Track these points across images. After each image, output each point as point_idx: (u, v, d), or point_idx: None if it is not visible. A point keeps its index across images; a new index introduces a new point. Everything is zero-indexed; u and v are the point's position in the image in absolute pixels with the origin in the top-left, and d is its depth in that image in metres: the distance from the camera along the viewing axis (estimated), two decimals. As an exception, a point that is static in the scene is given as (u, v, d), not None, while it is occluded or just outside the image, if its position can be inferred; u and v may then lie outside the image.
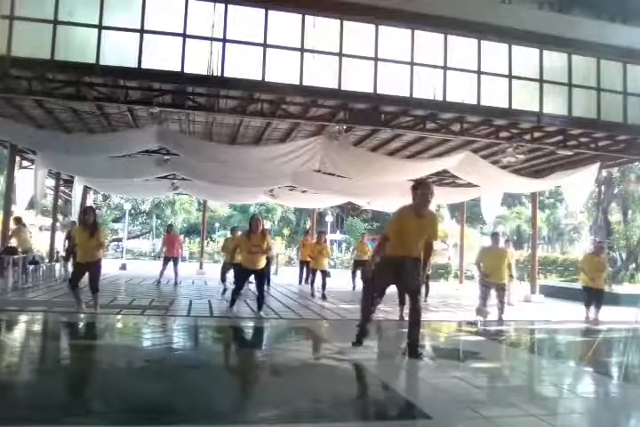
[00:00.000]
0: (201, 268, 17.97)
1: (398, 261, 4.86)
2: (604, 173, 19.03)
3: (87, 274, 7.09)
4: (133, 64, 6.93)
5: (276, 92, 7.66)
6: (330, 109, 8.44)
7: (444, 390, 3.69)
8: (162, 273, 12.33)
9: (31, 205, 12.89)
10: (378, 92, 7.71)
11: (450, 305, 10.38)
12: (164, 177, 13.46)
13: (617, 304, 11.13)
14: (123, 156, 10.67)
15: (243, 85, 7.47)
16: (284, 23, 7.44)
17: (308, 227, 29.07)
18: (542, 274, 18.93)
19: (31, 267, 10.98)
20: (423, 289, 8.94)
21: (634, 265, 18.97)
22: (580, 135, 9.43)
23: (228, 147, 10.60)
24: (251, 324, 7.22)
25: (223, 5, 7.19)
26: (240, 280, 7.68)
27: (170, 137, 8.94)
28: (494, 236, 8.57)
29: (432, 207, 5.38)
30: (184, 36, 7.06)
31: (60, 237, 15.11)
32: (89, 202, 18.62)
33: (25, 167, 13.13)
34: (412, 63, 7.84)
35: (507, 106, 8.25)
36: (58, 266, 13.34)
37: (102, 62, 6.84)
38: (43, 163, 11.24)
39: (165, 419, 2.96)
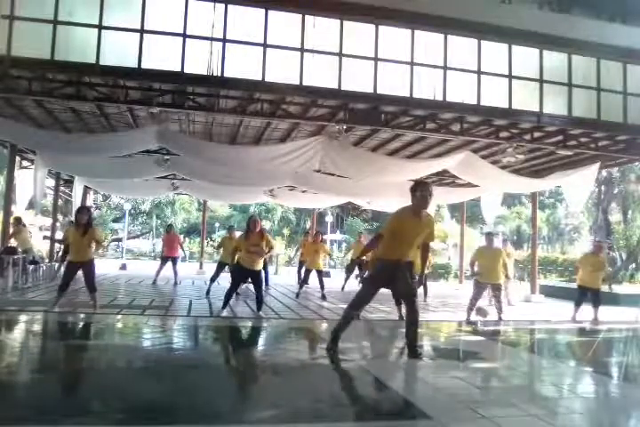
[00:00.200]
0: (201, 268, 17.97)
1: (392, 265, 4.82)
2: (604, 173, 19.04)
3: (82, 274, 7.07)
4: (133, 64, 6.93)
5: (276, 92, 7.66)
6: (330, 109, 8.44)
7: (444, 390, 3.69)
8: (158, 273, 12.31)
9: (31, 205, 12.90)
10: (378, 92, 7.71)
11: (449, 305, 10.38)
12: (164, 177, 13.45)
13: (617, 304, 11.14)
14: (123, 156, 10.66)
15: (243, 85, 7.47)
16: (284, 23, 7.44)
17: (308, 227, 29.07)
18: (542, 274, 18.94)
19: (31, 267, 10.98)
20: (422, 289, 8.96)
21: (634, 265, 18.98)
22: (580, 135, 9.43)
23: (228, 147, 10.59)
24: (250, 324, 7.21)
25: (223, 5, 7.19)
26: (236, 280, 7.52)
27: (170, 137, 8.94)
28: (488, 235, 8.56)
29: (432, 207, 5.38)
30: (184, 36, 7.06)
31: (60, 237, 15.11)
32: (89, 202, 18.63)
33: (25, 167, 13.12)
34: (412, 63, 7.84)
35: (507, 106, 8.25)
36: (57, 266, 13.32)
37: (102, 62, 6.84)
38: (43, 163, 11.25)
39: (165, 419, 2.96)
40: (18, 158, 12.26)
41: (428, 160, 10.99)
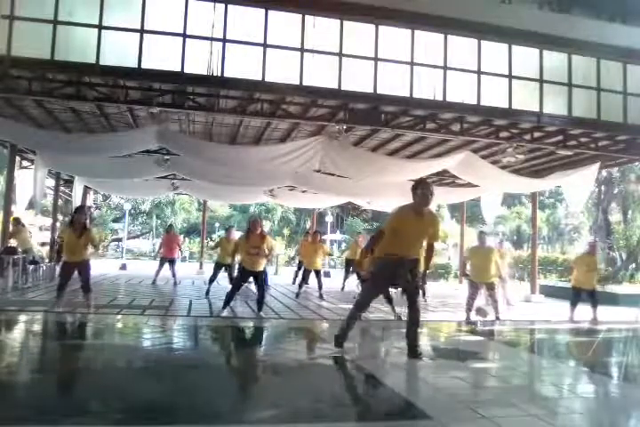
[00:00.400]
0: (201, 268, 17.97)
1: (396, 262, 4.82)
2: (604, 173, 19.01)
3: (78, 275, 7.05)
4: (133, 64, 6.93)
5: (276, 92, 7.66)
6: (330, 109, 8.44)
7: (444, 390, 3.69)
8: (157, 273, 12.30)
9: (31, 205, 12.89)
10: (378, 92, 7.71)
11: (449, 305, 10.38)
12: (164, 177, 13.45)
13: (617, 304, 11.14)
14: (123, 156, 10.66)
15: (243, 85, 7.47)
16: (284, 23, 7.44)
17: (308, 227, 29.07)
18: (542, 274, 18.92)
19: (31, 267, 10.98)
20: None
21: (634, 265, 18.95)
22: (580, 135, 9.43)
23: (228, 147, 10.59)
24: (250, 324, 7.22)
25: (223, 5, 7.19)
26: (237, 281, 7.50)
27: (170, 137, 8.94)
28: (481, 235, 8.56)
29: (432, 207, 5.35)
30: (184, 36, 7.06)
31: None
32: (89, 202, 18.63)
33: (25, 167, 13.12)
34: (412, 63, 7.84)
35: (507, 106, 8.25)
36: (52, 265, 13.34)
37: (102, 62, 6.84)
38: (43, 163, 11.25)
39: (165, 419, 2.96)
40: (18, 158, 12.25)
41: (428, 160, 10.99)
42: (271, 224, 35.26)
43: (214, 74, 7.17)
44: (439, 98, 7.96)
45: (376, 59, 7.69)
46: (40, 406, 3.08)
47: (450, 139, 9.76)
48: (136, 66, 6.93)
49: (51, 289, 10.18)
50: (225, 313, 7.44)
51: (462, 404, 3.34)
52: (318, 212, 23.17)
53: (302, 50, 7.43)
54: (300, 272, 11.88)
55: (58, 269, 12.16)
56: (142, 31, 6.95)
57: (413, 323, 4.82)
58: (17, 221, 10.86)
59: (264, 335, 6.80)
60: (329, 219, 28.92)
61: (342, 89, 7.59)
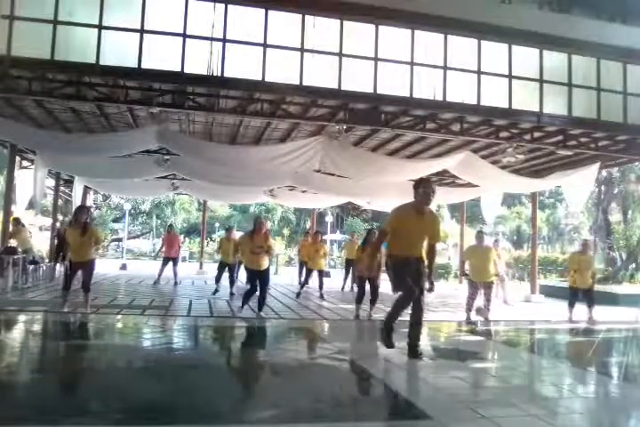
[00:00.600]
0: (201, 268, 17.97)
1: (402, 261, 4.82)
2: (604, 173, 19.01)
3: (81, 274, 7.04)
4: (133, 64, 6.92)
5: (276, 92, 7.65)
6: (330, 109, 8.44)
7: (444, 390, 3.69)
8: (160, 273, 12.32)
9: (31, 205, 12.90)
10: (378, 92, 7.71)
11: (449, 305, 10.37)
12: (164, 177, 13.45)
13: (617, 304, 11.15)
14: (123, 156, 10.67)
15: (243, 85, 7.46)
16: (284, 23, 7.44)
17: (307, 227, 29.07)
18: (542, 274, 18.93)
19: (31, 267, 10.98)
20: None
21: (634, 265, 18.95)
22: (580, 135, 9.42)
23: (228, 147, 10.59)
24: (251, 324, 7.21)
25: (223, 5, 7.18)
26: (251, 281, 7.46)
27: (170, 137, 8.94)
28: (479, 234, 8.56)
29: (432, 207, 5.34)
30: (184, 36, 7.06)
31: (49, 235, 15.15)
32: (89, 202, 18.63)
33: (25, 167, 13.12)
34: (412, 63, 7.83)
35: (507, 106, 8.25)
36: (58, 266, 13.34)
37: (102, 62, 6.83)
38: (43, 163, 11.25)
39: (165, 419, 2.96)
40: (18, 158, 12.26)
41: (428, 160, 10.99)
42: (271, 224, 35.25)
43: (214, 74, 7.17)
44: (439, 98, 7.96)
45: (376, 59, 7.69)
46: (40, 406, 3.08)
47: (450, 139, 9.76)
48: (136, 66, 6.93)
49: (51, 289, 10.19)
50: (242, 312, 7.45)
51: (462, 404, 3.34)
52: (318, 212, 23.18)
53: (302, 50, 7.43)
54: (303, 272, 11.88)
55: (58, 268, 12.22)
56: (142, 31, 6.94)
57: (417, 322, 4.81)
58: (17, 221, 10.86)
59: (264, 335, 6.80)
60: (329, 219, 28.92)
61: (342, 89, 7.59)
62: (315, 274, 11.09)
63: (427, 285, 4.91)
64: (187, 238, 34.74)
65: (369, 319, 7.54)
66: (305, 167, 9.61)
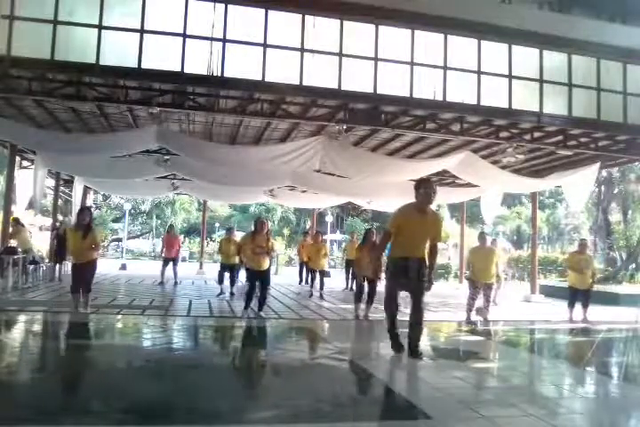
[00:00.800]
0: (201, 268, 17.98)
1: (403, 262, 4.83)
2: (604, 173, 19.02)
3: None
4: (133, 64, 6.92)
5: (276, 92, 7.65)
6: (330, 109, 8.44)
7: (444, 390, 3.68)
8: (163, 274, 12.32)
9: (31, 205, 12.89)
10: (378, 92, 7.71)
11: (450, 305, 10.37)
12: (164, 177, 13.46)
13: (617, 304, 11.15)
14: (123, 156, 10.67)
15: (243, 85, 7.46)
16: (284, 23, 7.44)
17: (307, 227, 29.08)
18: (542, 274, 18.93)
19: (31, 267, 10.98)
20: None
21: (634, 265, 18.95)
22: (580, 135, 9.43)
23: (228, 147, 10.60)
24: (251, 324, 7.21)
25: (223, 5, 7.18)
26: (251, 281, 7.48)
27: (170, 137, 8.95)
28: (482, 235, 8.57)
29: (432, 207, 5.34)
30: (184, 36, 7.06)
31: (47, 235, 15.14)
32: (89, 202, 18.63)
33: (25, 167, 13.13)
34: (411, 63, 7.83)
35: (507, 106, 8.25)
36: (58, 266, 13.33)
37: (102, 62, 6.83)
38: (43, 163, 11.25)
39: (165, 419, 2.96)
40: (18, 158, 12.26)
41: (428, 160, 11.00)
42: (271, 224, 35.25)
43: (214, 74, 7.17)
44: (439, 98, 7.96)
45: (376, 59, 7.69)
46: (40, 406, 3.07)
47: (450, 139, 9.76)
48: (136, 66, 6.92)
49: (51, 289, 10.20)
50: (248, 313, 7.44)
51: (462, 404, 3.34)
52: (318, 212, 23.18)
53: (302, 50, 7.43)
54: (304, 272, 11.93)
55: (58, 269, 12.21)
56: (142, 31, 6.94)
57: (417, 323, 4.81)
58: (17, 221, 10.85)
59: (264, 335, 6.80)
60: (329, 219, 28.94)
61: (342, 89, 7.59)
62: (316, 274, 11.13)
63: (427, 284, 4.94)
64: (187, 238, 34.76)
65: (367, 319, 7.54)
66: (305, 167, 9.61)
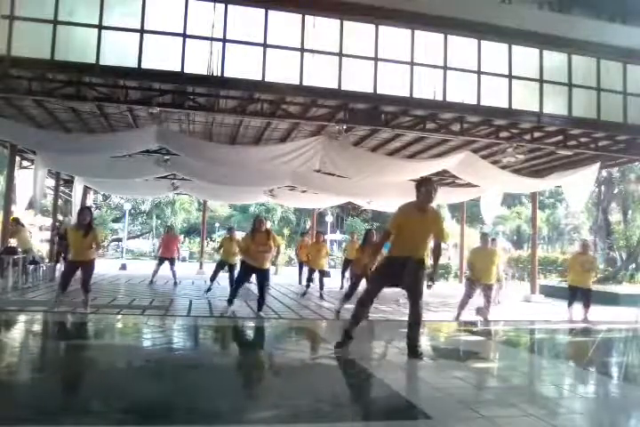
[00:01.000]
0: (201, 268, 17.97)
1: (400, 261, 4.80)
2: (604, 173, 19.02)
3: (80, 274, 7.03)
4: (133, 64, 6.93)
5: (276, 92, 7.66)
6: (330, 109, 8.44)
7: (444, 390, 3.68)
8: (155, 273, 12.32)
9: (31, 205, 12.90)
10: (378, 92, 7.71)
11: (450, 305, 10.36)
12: (164, 177, 13.47)
13: (617, 304, 11.15)
14: (123, 156, 10.67)
15: (243, 85, 7.47)
16: (284, 23, 7.44)
17: (307, 227, 29.09)
18: (542, 274, 18.94)
19: (31, 267, 10.98)
20: None
21: (634, 265, 18.97)
22: (580, 135, 9.43)
23: (228, 147, 10.60)
24: (250, 324, 7.21)
25: (223, 5, 7.19)
26: (242, 277, 7.50)
27: (170, 137, 8.95)
28: (484, 236, 8.56)
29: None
30: (184, 36, 7.06)
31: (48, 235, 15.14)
32: (89, 202, 18.63)
33: (25, 167, 13.13)
34: (412, 63, 7.84)
35: (507, 106, 8.25)
36: (58, 266, 13.33)
37: (102, 62, 6.84)
38: (43, 163, 11.25)
39: (165, 419, 2.96)
40: (18, 158, 12.26)
41: (428, 160, 11.00)
42: (271, 224, 35.26)
43: (214, 74, 7.17)
44: (439, 98, 7.96)
45: (376, 59, 7.69)
46: (40, 406, 3.07)
47: (450, 139, 9.76)
48: (136, 66, 6.93)
49: (51, 289, 10.19)
50: (230, 311, 7.44)
51: (462, 404, 3.34)
52: (318, 212, 23.18)
53: (302, 50, 7.43)
54: (304, 272, 11.95)
55: (58, 268, 12.21)
56: (142, 31, 6.95)
57: (416, 323, 4.80)
58: (16, 221, 10.85)
59: (264, 335, 6.80)
60: (329, 219, 28.96)
61: (342, 89, 7.59)
62: (316, 274, 11.13)
63: (427, 282, 4.94)
64: (187, 238, 34.77)
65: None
66: (305, 167, 9.61)
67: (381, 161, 10.04)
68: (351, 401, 3.61)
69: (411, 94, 7.84)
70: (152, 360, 4.62)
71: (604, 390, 4.29)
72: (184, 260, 27.34)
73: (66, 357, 4.83)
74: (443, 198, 14.25)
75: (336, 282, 13.29)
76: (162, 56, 7.09)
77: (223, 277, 10.78)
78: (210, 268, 17.32)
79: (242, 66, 7.31)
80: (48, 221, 18.24)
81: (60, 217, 16.94)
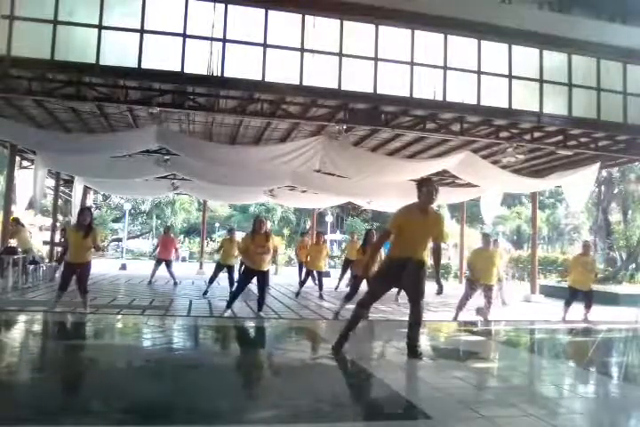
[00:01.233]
0: (201, 268, 17.97)
1: (401, 262, 4.80)
2: (604, 173, 19.02)
3: (78, 275, 7.00)
4: (133, 64, 6.93)
5: (276, 92, 7.66)
6: (330, 109, 8.44)
7: (444, 390, 3.68)
8: (153, 274, 12.33)
9: (31, 205, 12.90)
10: (378, 92, 7.71)
11: (450, 305, 10.35)
12: (164, 177, 13.47)
13: (617, 304, 11.15)
14: (123, 156, 10.67)
15: (243, 85, 7.47)
16: (284, 23, 7.44)
17: (307, 227, 29.08)
18: (542, 274, 18.94)
19: (31, 267, 10.98)
20: None
21: (634, 265, 18.97)
22: (580, 135, 9.43)
23: (228, 147, 10.60)
24: (250, 324, 7.21)
25: (223, 5, 7.19)
26: (243, 281, 7.49)
27: (170, 137, 8.95)
28: (485, 237, 8.56)
29: (432, 207, 5.32)
30: (184, 36, 7.06)
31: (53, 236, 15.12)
32: (89, 202, 18.63)
33: (25, 167, 13.13)
34: (412, 63, 7.84)
35: (507, 106, 8.25)
36: (55, 266, 13.33)
37: (102, 62, 6.84)
38: (43, 163, 11.26)
39: (165, 419, 2.96)
40: (18, 158, 12.26)
41: (428, 160, 11.00)
42: (271, 224, 35.25)
43: (214, 74, 7.17)
44: (439, 98, 7.96)
45: (376, 59, 7.69)
46: (40, 406, 3.07)
47: (450, 139, 9.76)
48: (136, 66, 6.93)
49: (51, 289, 10.19)
50: (228, 313, 7.44)
51: (462, 404, 3.34)
52: (318, 212, 23.18)
53: (302, 50, 7.43)
54: (304, 272, 11.92)
55: (55, 269, 12.21)
56: (142, 31, 6.95)
57: (416, 323, 4.80)
58: (16, 221, 10.86)
59: (264, 335, 6.80)
60: (329, 219, 28.95)
61: (342, 89, 7.59)
62: (315, 274, 11.12)
63: (436, 286, 5.04)
64: (186, 238, 34.76)
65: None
66: (305, 167, 9.61)
67: (381, 161, 10.05)
68: (351, 401, 3.61)
69: (411, 94, 7.84)
70: (152, 360, 4.62)
71: (603, 390, 4.29)
72: (184, 260, 27.36)
73: (66, 357, 4.83)
74: (443, 198, 14.19)
75: (336, 282, 13.28)
76: (162, 56, 7.09)
77: (223, 277, 10.78)
78: (210, 268, 17.36)
79: (242, 66, 7.31)
80: (48, 221, 18.24)
81: (60, 217, 16.95)
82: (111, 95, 7.72)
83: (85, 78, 7.38)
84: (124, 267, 18.14)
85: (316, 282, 11.17)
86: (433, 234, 4.88)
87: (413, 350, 4.72)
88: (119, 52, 7.01)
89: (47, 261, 13.68)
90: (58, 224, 15.46)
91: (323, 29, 7.55)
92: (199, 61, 7.14)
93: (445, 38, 7.99)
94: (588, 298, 8.53)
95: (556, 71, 8.50)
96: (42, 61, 6.75)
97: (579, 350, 6.36)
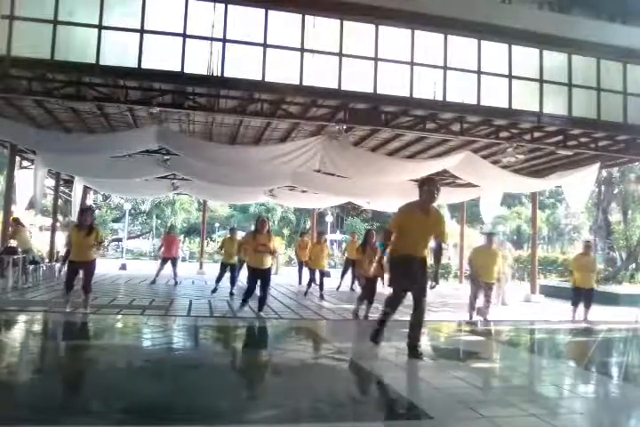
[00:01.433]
0: (201, 268, 17.98)
1: (406, 260, 4.80)
2: (604, 173, 18.99)
3: (82, 274, 7.02)
4: (133, 64, 6.93)
5: (276, 92, 7.66)
6: (330, 109, 8.44)
7: (445, 390, 3.68)
8: (158, 273, 12.35)
9: (31, 205, 12.90)
10: (378, 92, 7.71)
11: (450, 305, 10.37)
12: (164, 177, 13.47)
13: (617, 304, 11.15)
14: (123, 156, 10.67)
15: (243, 85, 7.47)
16: (284, 23, 7.44)
17: (307, 227, 29.08)
18: (542, 274, 18.94)
19: (31, 267, 10.98)
20: None
21: (634, 265, 18.95)
22: (580, 135, 9.43)
23: (228, 147, 10.60)
24: (251, 324, 7.21)
25: (223, 5, 7.19)
26: (251, 281, 7.52)
27: (170, 137, 8.94)
28: (489, 236, 8.59)
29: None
30: (184, 36, 7.06)
31: (62, 237, 15.10)
32: (89, 202, 18.63)
33: (25, 167, 13.13)
34: (411, 63, 7.83)
35: (507, 106, 8.25)
36: (58, 266, 13.33)
37: (102, 62, 6.84)
38: (43, 163, 11.26)
39: (165, 419, 2.96)
40: (18, 158, 12.26)
41: (428, 160, 10.99)
42: (271, 224, 35.21)
43: (214, 74, 7.17)
44: (439, 98, 7.96)
45: (376, 59, 7.69)
46: (40, 406, 3.07)
47: (450, 139, 9.76)
48: (136, 66, 6.93)
49: (51, 289, 10.19)
50: (243, 311, 7.50)
51: (463, 404, 3.34)
52: (318, 212, 23.17)
53: (302, 50, 7.43)
54: (304, 272, 11.96)
55: (59, 269, 12.20)
56: (142, 31, 6.94)
57: (417, 323, 4.80)
58: (16, 221, 10.86)
59: (264, 335, 6.80)
60: (329, 219, 28.95)
61: (342, 89, 7.59)
62: (316, 274, 11.13)
63: (430, 282, 4.95)
64: (187, 238, 34.74)
65: (367, 319, 7.53)
66: (305, 167, 9.61)
67: (381, 161, 10.04)
68: (351, 401, 3.61)
69: (411, 94, 7.84)
70: (152, 360, 4.62)
71: (604, 390, 4.29)
72: (184, 260, 27.34)
73: (66, 357, 4.83)
74: (443, 198, 14.11)
75: (335, 282, 13.29)
76: (162, 56, 7.09)
77: (225, 277, 10.80)
78: (209, 268, 17.37)
79: (242, 66, 7.31)
80: (48, 221, 18.24)
81: (60, 217, 16.94)
82: (111, 95, 7.72)
83: (85, 78, 7.38)
84: (124, 267, 18.14)
85: (317, 282, 11.17)
86: (434, 233, 4.88)
87: (414, 350, 4.72)
88: (119, 52, 7.01)
89: (47, 260, 13.66)
90: (58, 224, 15.44)
91: (323, 29, 7.54)
92: (199, 61, 7.14)
93: (445, 38, 7.99)
94: (589, 297, 8.56)
95: (555, 71, 8.49)
96: (42, 61, 6.75)
97: (579, 350, 6.36)
